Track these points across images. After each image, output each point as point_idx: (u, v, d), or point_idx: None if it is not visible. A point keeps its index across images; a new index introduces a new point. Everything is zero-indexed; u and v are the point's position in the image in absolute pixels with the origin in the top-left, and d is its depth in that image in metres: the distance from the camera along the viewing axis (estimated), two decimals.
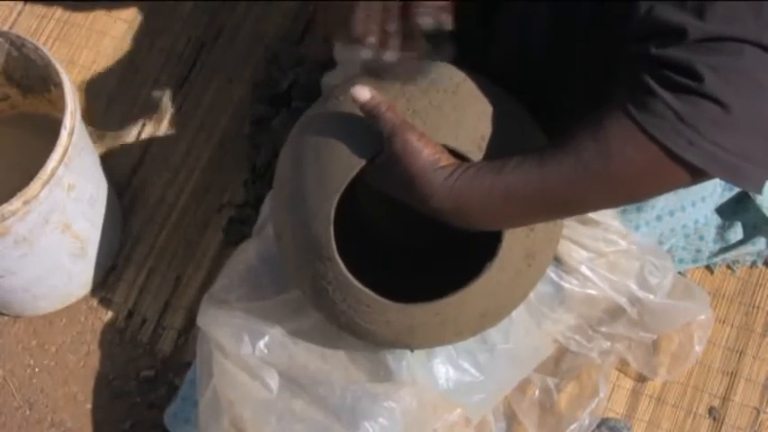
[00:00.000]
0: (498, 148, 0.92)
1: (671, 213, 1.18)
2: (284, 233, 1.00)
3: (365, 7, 0.90)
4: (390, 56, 0.91)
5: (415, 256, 1.16)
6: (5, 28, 1.61)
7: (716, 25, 0.76)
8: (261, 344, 1.09)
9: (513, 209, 0.86)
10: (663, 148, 0.79)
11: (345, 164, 0.92)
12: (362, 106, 0.89)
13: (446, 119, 0.92)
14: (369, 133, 0.91)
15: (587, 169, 0.82)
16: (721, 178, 0.81)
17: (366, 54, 0.91)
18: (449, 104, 0.93)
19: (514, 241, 0.93)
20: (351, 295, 0.96)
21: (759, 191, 0.83)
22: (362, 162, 0.92)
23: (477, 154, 0.91)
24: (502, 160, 0.86)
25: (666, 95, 0.78)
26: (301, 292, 1.04)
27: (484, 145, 0.92)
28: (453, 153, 0.90)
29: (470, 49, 1.06)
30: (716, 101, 0.77)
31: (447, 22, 0.92)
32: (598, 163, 0.81)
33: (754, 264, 1.37)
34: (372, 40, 0.90)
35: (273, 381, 1.08)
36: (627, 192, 0.85)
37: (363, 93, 0.89)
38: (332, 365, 1.09)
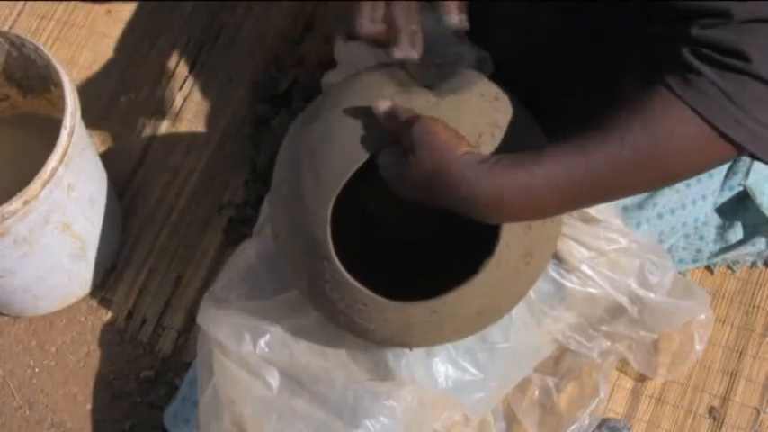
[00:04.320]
0: (497, 147, 0.92)
1: (672, 211, 1.18)
2: (281, 232, 1.00)
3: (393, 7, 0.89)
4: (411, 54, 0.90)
5: (413, 253, 1.16)
6: (5, 28, 1.61)
7: (762, 7, 0.77)
8: (261, 342, 1.09)
9: (555, 197, 0.85)
10: (710, 125, 0.79)
11: (343, 163, 0.91)
12: (384, 119, 0.89)
13: (444, 117, 0.92)
14: (367, 132, 0.91)
15: (634, 150, 0.81)
16: (762, 158, 0.81)
17: (397, 54, 0.90)
18: (447, 102, 0.93)
19: (512, 239, 0.93)
20: (348, 294, 0.96)
21: None
22: (360, 161, 0.92)
23: None
24: (532, 151, 0.85)
25: (712, 74, 0.78)
26: (299, 291, 1.04)
27: (482, 143, 0.92)
28: None
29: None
30: (763, 81, 0.78)
31: (464, 21, 0.91)
32: (645, 142, 0.81)
33: (754, 264, 1.37)
34: (402, 39, 0.89)
35: (274, 379, 1.08)
36: (672, 169, 0.84)
37: (383, 104, 0.90)
38: (333, 364, 1.09)
